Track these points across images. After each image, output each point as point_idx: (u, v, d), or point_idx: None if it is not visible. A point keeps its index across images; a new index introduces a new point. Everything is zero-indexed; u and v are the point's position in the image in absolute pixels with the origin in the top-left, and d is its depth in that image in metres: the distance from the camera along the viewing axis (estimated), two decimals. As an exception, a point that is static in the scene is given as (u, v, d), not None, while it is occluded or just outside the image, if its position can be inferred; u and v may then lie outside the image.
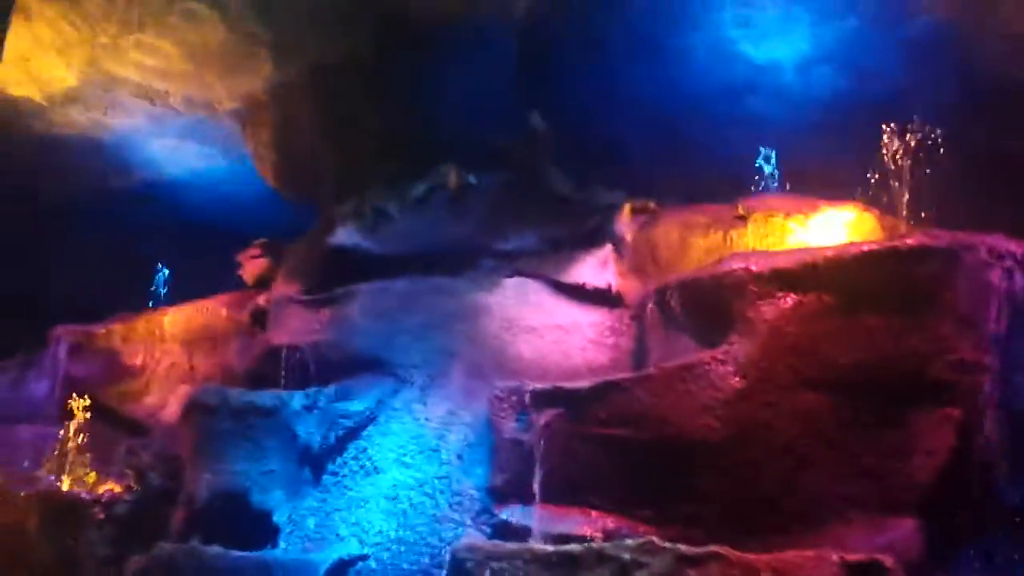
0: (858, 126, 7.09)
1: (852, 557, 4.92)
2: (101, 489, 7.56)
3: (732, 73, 7.71)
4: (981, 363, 5.40)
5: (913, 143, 6.86)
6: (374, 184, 8.05)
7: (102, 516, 7.29)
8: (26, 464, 8.04)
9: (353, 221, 8.02)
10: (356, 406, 6.97)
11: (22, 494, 7.50)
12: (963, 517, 5.35)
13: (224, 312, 8.82)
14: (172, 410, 8.24)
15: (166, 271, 9.78)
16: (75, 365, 8.58)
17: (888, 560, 4.90)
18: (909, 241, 5.64)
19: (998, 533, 5.34)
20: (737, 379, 5.61)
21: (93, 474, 7.85)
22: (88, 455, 7.93)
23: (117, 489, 7.51)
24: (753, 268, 5.81)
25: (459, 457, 6.57)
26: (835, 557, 4.90)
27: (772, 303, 5.68)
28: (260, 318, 8.32)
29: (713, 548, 4.96)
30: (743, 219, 6.94)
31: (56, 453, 7.99)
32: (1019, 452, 5.40)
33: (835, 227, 6.60)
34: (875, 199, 6.73)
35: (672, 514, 5.62)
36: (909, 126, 6.87)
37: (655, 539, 5.08)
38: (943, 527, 5.33)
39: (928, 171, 6.78)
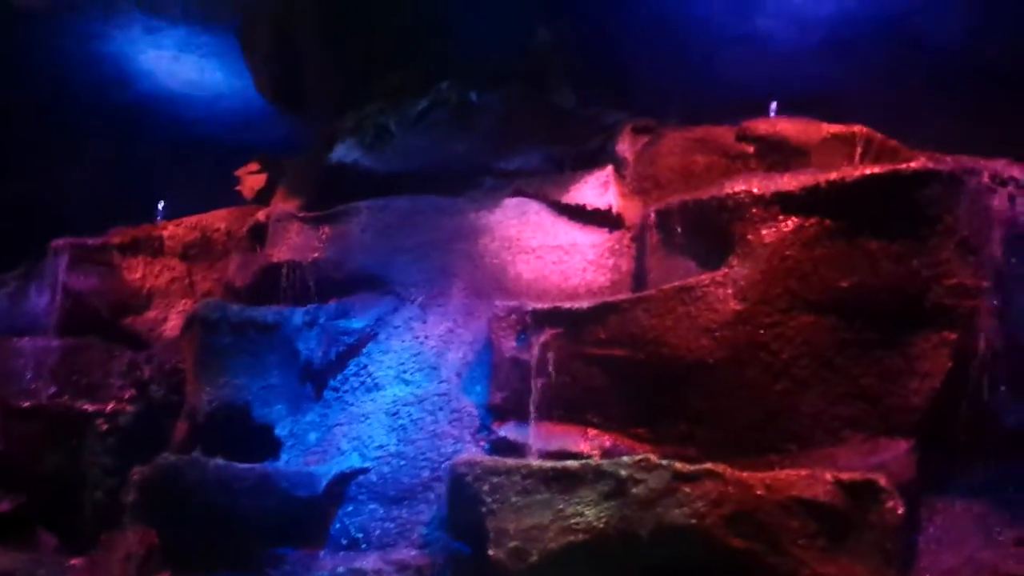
0: (866, 47, 6.98)
1: (845, 476, 5.03)
2: (103, 401, 7.59)
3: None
4: (980, 288, 5.45)
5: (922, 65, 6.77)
6: (374, 100, 7.94)
7: (105, 427, 7.36)
8: (28, 376, 8.02)
9: (353, 137, 7.90)
10: (356, 323, 6.97)
11: (25, 405, 7.54)
12: (958, 440, 5.44)
13: (223, 227, 8.77)
14: (173, 324, 8.28)
15: (165, 186, 9.68)
16: (75, 278, 8.44)
17: (881, 479, 5.01)
18: (912, 165, 5.64)
19: (994, 457, 5.43)
20: (736, 302, 5.63)
21: (95, 386, 7.87)
22: (90, 367, 7.94)
23: (119, 401, 7.56)
24: (755, 190, 5.79)
25: (458, 375, 6.60)
26: (828, 476, 5.00)
27: (773, 226, 5.68)
28: (259, 234, 8.24)
29: (708, 466, 5.06)
30: (747, 141, 6.88)
31: (57, 365, 7.99)
32: (1019, 377, 5.45)
33: (840, 151, 6.55)
34: (881, 123, 6.67)
35: (669, 433, 5.70)
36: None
37: (651, 456, 5.16)
38: (937, 450, 5.42)
39: (937, 95, 6.72)
